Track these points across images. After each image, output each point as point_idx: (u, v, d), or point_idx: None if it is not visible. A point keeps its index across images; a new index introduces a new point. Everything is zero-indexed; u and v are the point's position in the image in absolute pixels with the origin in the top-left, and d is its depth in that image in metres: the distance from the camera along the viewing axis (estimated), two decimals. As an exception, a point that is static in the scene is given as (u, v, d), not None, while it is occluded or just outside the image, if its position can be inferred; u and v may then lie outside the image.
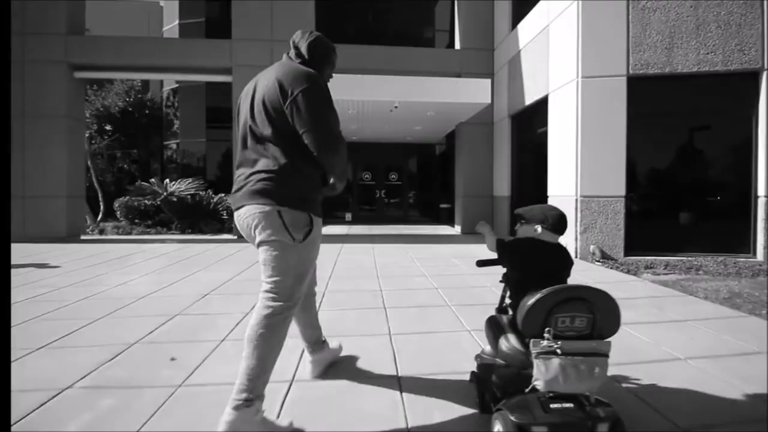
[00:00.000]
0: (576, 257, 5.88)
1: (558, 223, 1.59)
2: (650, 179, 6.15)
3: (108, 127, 13.82)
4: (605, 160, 5.80)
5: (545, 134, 6.93)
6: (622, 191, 5.78)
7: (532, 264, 1.56)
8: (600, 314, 1.33)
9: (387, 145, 13.34)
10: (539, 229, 1.59)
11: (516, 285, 1.59)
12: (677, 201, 6.03)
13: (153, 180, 11.55)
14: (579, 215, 5.86)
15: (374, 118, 9.08)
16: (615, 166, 5.78)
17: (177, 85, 14.49)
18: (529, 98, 7.55)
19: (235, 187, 1.70)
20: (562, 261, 1.61)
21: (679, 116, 5.97)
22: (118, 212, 12.29)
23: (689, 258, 5.59)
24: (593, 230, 5.83)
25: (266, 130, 1.63)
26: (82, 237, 9.49)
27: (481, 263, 1.82)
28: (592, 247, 5.77)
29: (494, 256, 1.74)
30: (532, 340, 1.32)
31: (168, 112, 15.11)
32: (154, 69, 9.29)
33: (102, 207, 13.13)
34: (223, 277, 4.70)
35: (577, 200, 5.90)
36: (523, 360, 1.41)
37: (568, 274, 1.61)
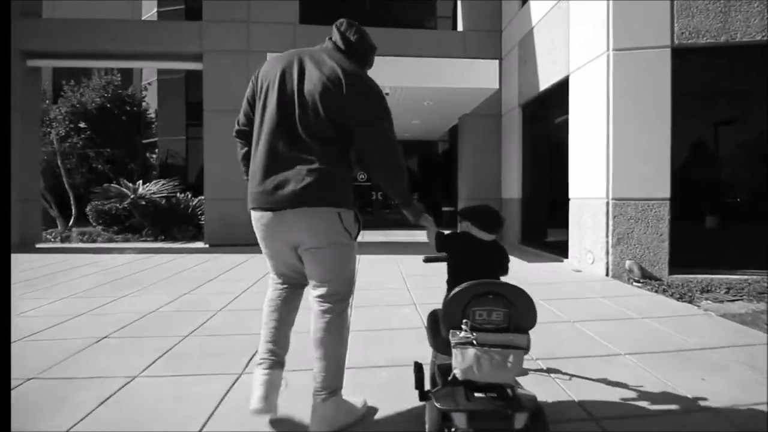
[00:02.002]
0: (607, 275, 4.70)
1: (489, 221, 1.63)
2: (700, 177, 4.96)
3: (82, 125, 12.81)
4: (645, 154, 4.62)
5: (565, 124, 5.76)
6: (667, 192, 4.59)
7: (465, 259, 1.64)
8: (516, 309, 1.37)
9: (383, 143, 12.19)
10: (469, 225, 1.64)
11: (451, 279, 1.64)
12: (737, 205, 4.83)
13: (123, 181, 10.51)
14: (611, 223, 4.68)
15: (365, 109, 7.95)
16: (658, 160, 4.60)
17: (154, 78, 13.50)
18: (545, 82, 6.38)
19: (263, 186, 1.57)
20: (495, 258, 1.66)
21: (737, 96, 4.78)
22: (90, 216, 11.31)
23: (754, 276, 4.38)
24: (629, 241, 4.64)
25: (324, 131, 1.54)
26: (38, 245, 8.46)
27: (428, 259, 1.92)
28: (628, 262, 4.59)
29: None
30: (451, 331, 1.37)
31: (146, 108, 14.11)
32: (116, 56, 8.22)
33: (74, 211, 12.12)
34: (153, 304, 3.62)
35: (608, 204, 4.72)
36: None
37: (503, 272, 1.68)
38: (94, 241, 9.75)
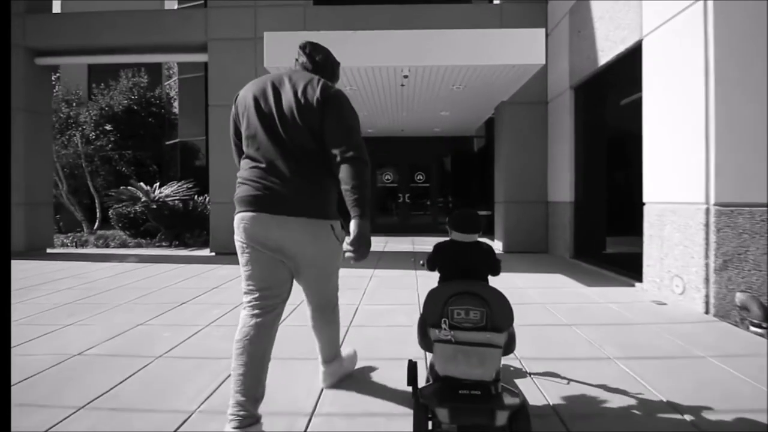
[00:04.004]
0: (707, 313, 3.32)
1: (460, 221, 1.69)
2: None
3: (108, 127, 12.68)
4: (765, 140, 3.21)
5: (636, 106, 4.39)
6: (802, 195, 3.16)
7: (444, 263, 1.72)
8: (492, 308, 1.41)
9: (411, 140, 11.05)
10: (450, 230, 1.73)
11: (438, 284, 1.65)
12: None
13: (141, 184, 10.11)
14: (712, 238, 3.30)
15: (383, 98, 6.87)
16: (787, 148, 3.17)
17: (175, 78, 13.16)
18: (606, 55, 5.01)
19: (257, 191, 1.61)
20: (480, 258, 1.69)
21: None
22: (112, 220, 11.08)
23: None
24: (742, 265, 3.24)
25: (307, 145, 1.62)
26: (49, 251, 8.11)
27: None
28: (740, 296, 3.19)
29: None
30: (430, 329, 1.45)
31: (168, 108, 13.84)
32: (122, 50, 7.69)
33: (98, 214, 11.97)
34: (90, 339, 2.79)
35: (708, 212, 3.34)
36: None
37: (492, 272, 1.73)
38: (108, 246, 9.38)
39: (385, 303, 3.77)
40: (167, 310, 3.63)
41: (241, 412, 1.52)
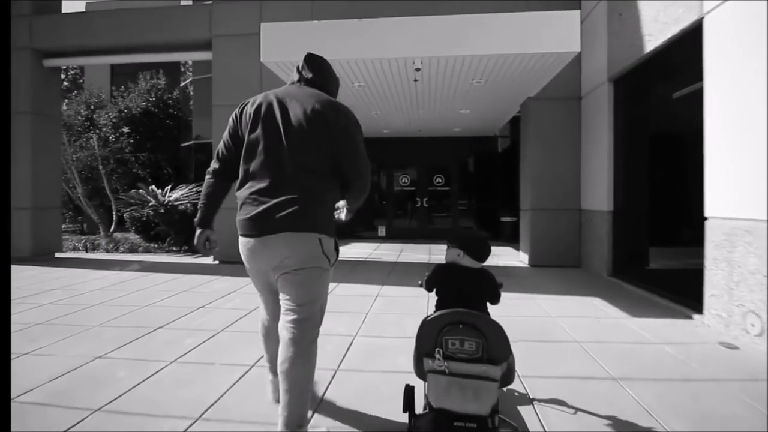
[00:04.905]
0: (799, 365, 2.57)
1: (471, 247, 1.63)
2: None
3: (125, 129, 12.64)
4: None
5: (693, 98, 3.63)
6: None
7: (445, 288, 1.68)
8: (489, 340, 1.37)
9: (429, 141, 10.40)
10: (461, 254, 1.64)
11: (435, 307, 1.65)
12: None
13: (152, 187, 9.91)
14: (806, 267, 2.54)
15: (396, 95, 6.27)
16: None
17: (190, 79, 13.00)
18: (655, 39, 4.25)
19: (252, 211, 1.63)
20: (481, 285, 1.64)
21: None
22: (127, 223, 10.98)
23: None
24: None
25: (306, 159, 1.62)
26: (57, 255, 7.97)
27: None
28: None
29: None
30: (425, 358, 1.42)
31: (184, 110, 13.71)
32: (127, 49, 7.42)
33: (114, 217, 11.93)
34: (68, 363, 2.30)
35: (799, 232, 2.58)
36: None
37: (492, 301, 1.67)
38: (117, 250, 9.21)
39: (388, 335, 3.19)
40: (138, 337, 3.18)
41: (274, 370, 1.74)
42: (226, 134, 1.77)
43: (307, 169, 1.61)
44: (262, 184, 1.61)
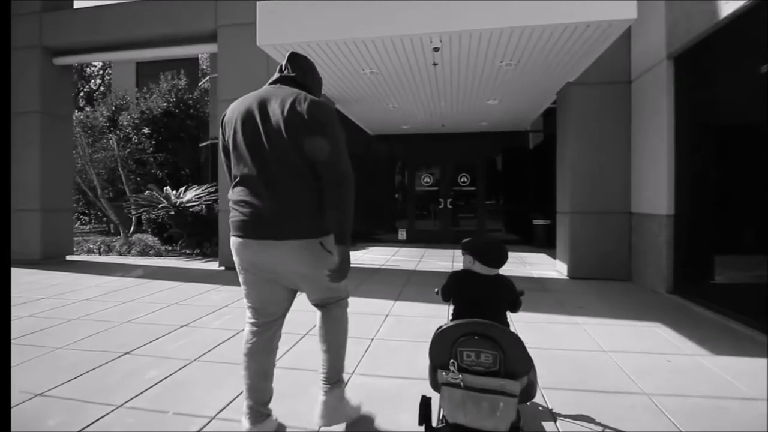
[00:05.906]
0: None
1: (485, 254, 1.58)
2: None
3: (145, 131, 12.56)
4: None
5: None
6: None
7: (459, 295, 1.63)
8: (506, 352, 1.29)
9: (454, 136, 9.64)
10: (472, 260, 1.60)
11: (453, 316, 1.58)
12: None
13: (167, 188, 9.68)
14: None
15: (413, 83, 5.58)
16: None
17: (208, 77, 12.77)
18: (734, 1, 3.38)
19: (245, 216, 1.65)
20: (498, 293, 1.58)
21: None
22: (144, 225, 10.84)
23: None
24: None
25: (294, 163, 1.61)
26: (68, 258, 7.79)
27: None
28: None
29: None
30: (439, 370, 1.35)
31: (203, 110, 13.52)
32: (135, 45, 7.11)
33: (133, 218, 11.84)
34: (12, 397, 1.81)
35: None
36: None
37: (512, 308, 1.61)
38: (130, 252, 9.00)
39: (395, 373, 2.52)
40: (98, 366, 2.68)
41: (253, 413, 1.71)
42: (220, 147, 1.80)
43: (293, 170, 1.60)
44: (251, 188, 1.64)
